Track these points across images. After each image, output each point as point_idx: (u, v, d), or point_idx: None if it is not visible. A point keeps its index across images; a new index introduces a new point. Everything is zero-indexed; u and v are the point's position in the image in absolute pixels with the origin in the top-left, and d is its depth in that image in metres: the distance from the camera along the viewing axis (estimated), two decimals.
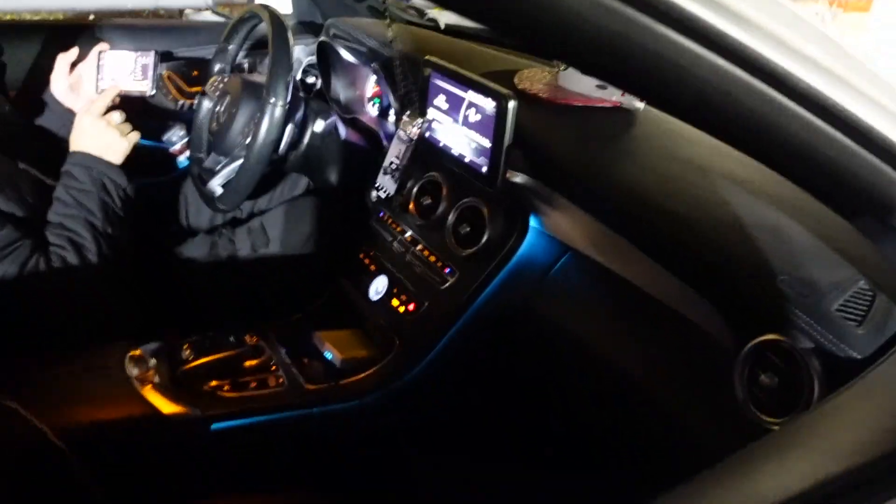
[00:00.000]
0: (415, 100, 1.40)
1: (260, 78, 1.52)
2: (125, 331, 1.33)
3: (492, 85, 1.21)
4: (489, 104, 1.21)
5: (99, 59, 1.51)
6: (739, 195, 1.04)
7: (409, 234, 1.40)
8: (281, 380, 1.26)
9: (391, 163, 1.44)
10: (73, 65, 1.52)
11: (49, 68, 1.55)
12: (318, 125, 1.56)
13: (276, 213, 1.58)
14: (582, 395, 1.28)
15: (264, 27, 1.46)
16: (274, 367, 1.28)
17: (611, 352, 1.14)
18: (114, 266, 1.30)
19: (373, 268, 1.42)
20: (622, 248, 1.08)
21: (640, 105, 1.31)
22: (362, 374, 1.28)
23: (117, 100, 1.46)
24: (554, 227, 1.21)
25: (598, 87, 1.32)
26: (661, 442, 1.07)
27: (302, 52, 1.82)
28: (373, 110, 1.66)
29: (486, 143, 1.23)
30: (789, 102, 0.52)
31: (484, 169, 1.24)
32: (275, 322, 1.40)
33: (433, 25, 1.82)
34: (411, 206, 1.40)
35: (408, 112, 1.42)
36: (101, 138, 1.36)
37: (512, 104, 1.17)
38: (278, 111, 1.35)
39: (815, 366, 0.81)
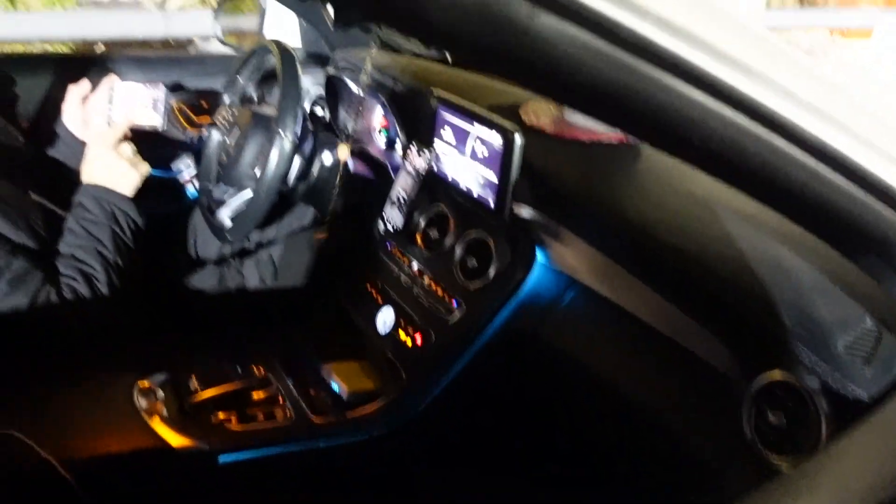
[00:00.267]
0: (422, 132, 1.41)
1: (269, 110, 1.54)
2: (133, 360, 1.33)
3: (499, 120, 1.23)
4: (496, 139, 1.23)
5: (110, 91, 1.53)
6: (745, 231, 1.04)
7: (416, 265, 1.41)
8: (288, 412, 1.26)
9: (398, 195, 1.45)
10: (86, 97, 1.54)
11: (61, 100, 1.57)
12: (326, 157, 1.57)
13: (283, 244, 1.59)
14: (590, 428, 1.28)
15: (274, 60, 1.48)
16: (281, 399, 1.28)
17: (619, 386, 1.14)
18: (123, 296, 1.31)
19: (380, 299, 1.43)
20: (628, 283, 1.09)
21: None
22: (369, 407, 1.28)
23: (128, 132, 1.47)
24: (561, 261, 1.21)
25: None
26: (669, 476, 1.07)
27: (310, 84, 1.84)
28: (380, 141, 1.67)
29: (493, 177, 1.24)
30: (794, 150, 0.53)
31: (491, 202, 1.25)
32: (282, 353, 1.41)
33: (440, 58, 1.84)
34: (418, 238, 1.41)
35: (415, 144, 1.44)
36: (113, 170, 1.38)
37: (519, 139, 1.19)
38: (287, 144, 1.37)
39: (823, 405, 0.81)
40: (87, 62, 1.87)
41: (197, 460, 1.16)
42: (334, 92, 1.73)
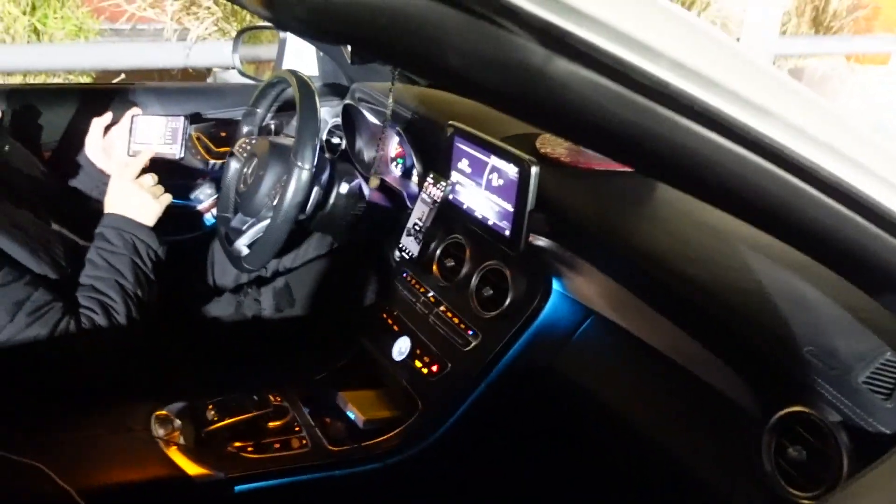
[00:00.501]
0: (438, 163, 1.43)
1: (287, 140, 1.56)
2: (150, 389, 1.34)
3: (514, 150, 1.24)
4: (512, 169, 1.24)
5: (131, 123, 1.56)
6: (762, 262, 1.04)
7: (431, 294, 1.41)
8: (304, 441, 1.26)
9: (415, 224, 1.46)
10: (107, 128, 1.57)
11: (83, 131, 1.60)
12: (343, 187, 1.59)
13: (300, 272, 1.60)
14: (605, 459, 1.27)
15: (292, 91, 1.51)
16: (297, 429, 1.29)
17: (635, 416, 1.14)
18: (141, 327, 1.32)
19: (396, 328, 1.43)
20: (645, 313, 1.08)
21: None
22: (385, 436, 1.28)
23: (149, 163, 1.50)
24: (577, 291, 1.21)
25: None
26: None
27: (327, 114, 1.86)
28: (396, 170, 1.69)
29: (509, 207, 1.25)
30: (810, 189, 0.54)
31: (507, 232, 1.26)
32: (298, 382, 1.41)
33: None
34: (434, 267, 1.42)
35: (431, 175, 1.45)
36: (135, 201, 1.40)
37: (534, 170, 1.20)
38: (305, 174, 1.38)
39: (844, 440, 0.80)
40: (108, 94, 1.91)
41: (213, 489, 1.16)
42: (351, 121, 1.75)
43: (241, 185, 1.56)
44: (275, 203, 1.45)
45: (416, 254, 1.45)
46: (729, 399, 0.96)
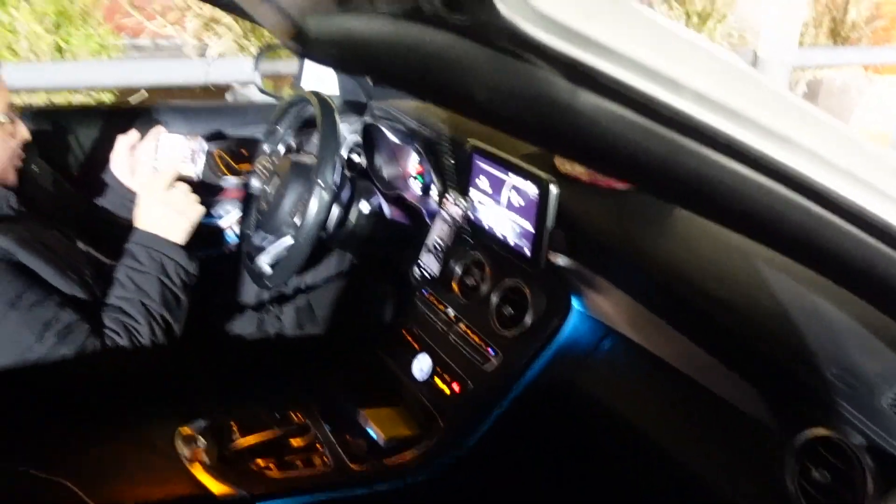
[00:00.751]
0: (458, 181, 1.44)
1: (308, 158, 1.57)
2: (173, 406, 1.36)
3: (534, 170, 1.25)
4: (531, 188, 1.24)
5: (156, 141, 1.58)
6: (785, 282, 1.04)
7: (451, 312, 1.42)
8: (326, 459, 1.27)
9: (435, 242, 1.47)
10: (133, 146, 1.59)
11: (108, 150, 1.63)
12: (363, 205, 1.60)
13: (321, 290, 1.62)
14: (626, 478, 1.27)
15: (312, 109, 1.52)
16: (319, 447, 1.29)
17: (655, 434, 1.14)
18: (165, 348, 1.33)
19: (416, 346, 1.44)
20: (665, 332, 1.09)
21: None
22: (406, 454, 1.28)
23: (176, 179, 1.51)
24: (597, 309, 1.22)
25: None
26: None
27: (347, 131, 1.88)
28: (416, 187, 1.70)
29: (529, 226, 1.26)
30: (832, 217, 0.54)
31: (526, 251, 1.26)
32: (319, 399, 1.42)
33: None
34: (454, 285, 1.43)
35: (450, 192, 1.46)
36: (163, 216, 1.41)
37: (554, 189, 1.20)
38: (326, 193, 1.40)
39: (868, 463, 0.80)
40: (132, 113, 1.94)
41: None
42: (371, 139, 1.77)
43: (263, 204, 1.58)
44: (296, 221, 1.47)
45: (435, 271, 1.46)
46: (751, 419, 0.96)
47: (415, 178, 1.70)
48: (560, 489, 1.35)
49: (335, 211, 1.54)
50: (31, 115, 1.78)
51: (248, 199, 1.69)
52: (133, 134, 1.60)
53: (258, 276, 1.52)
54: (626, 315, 1.18)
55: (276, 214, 1.53)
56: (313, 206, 1.39)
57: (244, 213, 1.68)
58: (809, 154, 0.52)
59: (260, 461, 1.24)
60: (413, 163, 1.71)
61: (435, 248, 1.47)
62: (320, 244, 1.55)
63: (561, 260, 1.26)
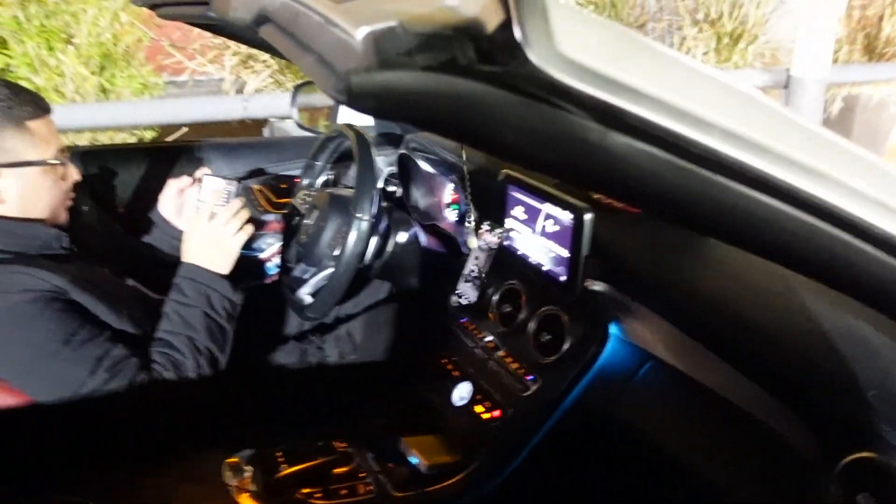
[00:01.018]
0: (493, 210, 1.46)
1: (346, 191, 1.61)
2: (219, 437, 1.39)
3: (568, 198, 1.26)
4: (566, 216, 1.26)
5: (200, 182, 1.64)
6: (824, 305, 1.04)
7: (490, 340, 1.43)
8: (370, 487, 1.29)
9: (471, 271, 1.50)
10: (182, 189, 1.66)
11: (154, 188, 1.69)
12: (401, 235, 1.63)
13: (361, 319, 1.65)
14: (666, 501, 1.27)
15: (349, 143, 1.57)
16: (362, 475, 1.31)
17: (695, 461, 1.13)
18: (211, 380, 1.37)
19: (455, 373, 1.46)
20: (705, 357, 1.09)
21: None
22: (448, 482, 1.29)
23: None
24: (635, 335, 1.22)
25: None
26: None
27: (383, 163, 1.92)
28: (451, 216, 1.73)
29: (564, 253, 1.27)
30: (865, 245, 0.55)
31: (562, 278, 1.28)
32: (361, 428, 1.44)
33: None
34: (491, 313, 1.45)
35: (486, 222, 1.49)
36: (207, 250, 1.46)
37: (588, 217, 1.22)
38: (364, 225, 1.43)
39: None
40: (176, 151, 2.01)
41: None
42: (406, 170, 1.81)
43: (303, 237, 1.62)
44: (336, 253, 1.50)
45: (473, 300, 1.48)
46: (792, 445, 0.95)
47: (450, 207, 1.73)
48: None
49: (373, 242, 1.57)
50: (78, 155, 1.85)
51: (288, 232, 1.73)
52: (184, 179, 1.66)
53: (299, 308, 1.55)
54: (665, 340, 1.18)
55: (315, 246, 1.57)
56: (352, 238, 1.42)
57: (285, 246, 1.72)
58: (837, 184, 0.54)
59: (305, 490, 1.26)
60: (448, 192, 1.74)
61: (471, 276, 1.49)
62: (359, 275, 1.58)
63: (597, 286, 1.27)
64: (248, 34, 1.68)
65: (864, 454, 0.84)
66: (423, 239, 1.72)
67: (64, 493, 1.17)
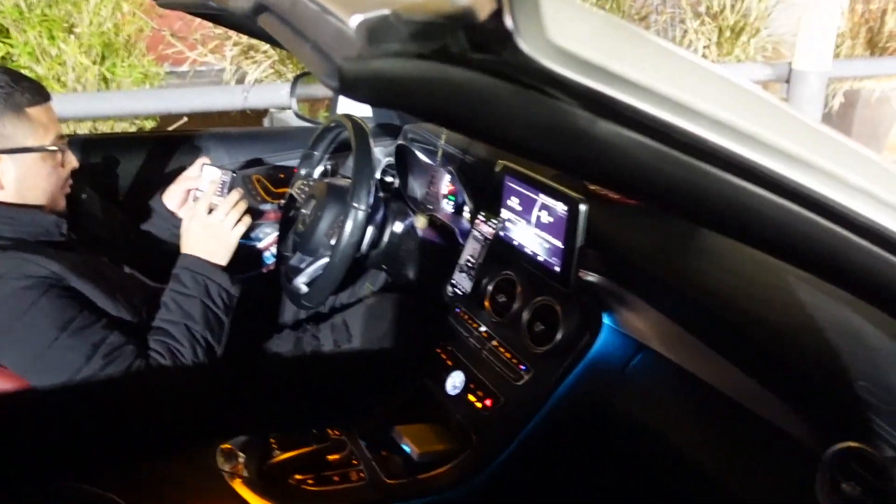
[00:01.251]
0: (489, 201, 1.47)
1: (343, 181, 1.62)
2: (214, 423, 1.40)
3: (563, 188, 1.27)
4: (561, 206, 1.27)
5: (200, 172, 1.65)
6: (816, 297, 1.05)
7: (484, 330, 1.44)
8: (362, 474, 1.30)
9: (467, 261, 1.51)
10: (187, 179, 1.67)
11: (154, 177, 1.70)
12: (397, 225, 1.64)
13: (356, 309, 1.66)
14: (658, 490, 1.28)
15: (347, 134, 1.57)
16: (355, 462, 1.32)
17: (687, 450, 1.14)
18: (207, 368, 1.38)
19: (450, 363, 1.47)
20: (697, 348, 1.10)
21: None
22: (440, 469, 1.30)
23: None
24: (628, 325, 1.23)
25: None
26: None
27: (381, 154, 1.93)
28: (448, 207, 1.73)
29: (559, 244, 1.28)
30: (851, 235, 0.56)
31: (557, 268, 1.29)
32: (355, 416, 1.46)
33: None
34: (486, 303, 1.45)
35: (482, 212, 1.49)
36: (207, 240, 1.48)
37: (583, 207, 1.23)
38: (361, 215, 1.44)
39: None
40: (176, 140, 2.01)
41: None
42: (404, 161, 1.81)
43: (300, 226, 1.63)
44: (332, 243, 1.51)
45: (468, 290, 1.49)
46: (783, 433, 0.96)
47: (447, 198, 1.73)
48: (593, 503, 1.37)
49: (370, 231, 1.58)
50: (79, 144, 1.86)
51: (285, 222, 1.74)
52: (193, 170, 1.67)
53: (295, 296, 1.56)
54: (658, 331, 1.19)
55: (312, 236, 1.57)
56: (348, 227, 1.43)
57: (282, 235, 1.73)
58: (825, 174, 0.54)
59: (298, 476, 1.27)
60: (445, 183, 1.74)
61: (467, 266, 1.50)
62: (355, 264, 1.59)
63: (591, 277, 1.28)
64: (247, 23, 1.68)
65: (851, 443, 0.85)
66: (420, 229, 1.73)
67: (59, 477, 1.19)
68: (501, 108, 0.48)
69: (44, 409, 1.31)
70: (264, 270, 1.90)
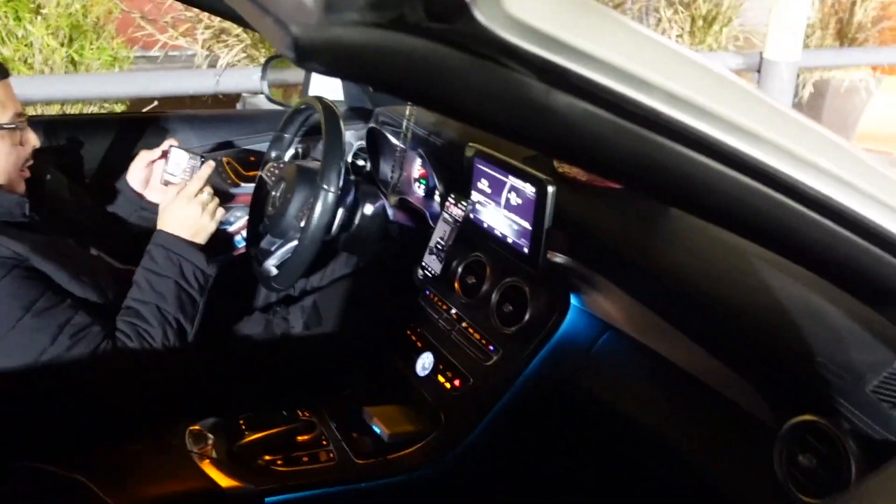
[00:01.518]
0: (459, 183, 1.47)
1: (313, 164, 1.61)
2: (184, 406, 1.40)
3: (531, 170, 1.28)
4: (529, 189, 1.28)
5: (168, 154, 1.64)
6: (776, 276, 1.07)
7: (454, 311, 1.45)
8: (331, 455, 1.30)
9: (437, 243, 1.51)
10: (153, 160, 1.66)
11: (121, 158, 1.68)
12: (368, 208, 1.64)
13: (327, 291, 1.66)
14: (623, 466, 1.30)
15: (318, 117, 1.56)
16: (325, 442, 1.33)
17: (651, 425, 1.17)
18: (177, 350, 1.37)
19: (419, 344, 1.48)
20: (662, 329, 1.11)
21: None
22: (409, 450, 1.31)
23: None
24: (594, 306, 1.25)
25: None
26: None
27: (352, 137, 1.92)
28: (419, 191, 1.74)
29: (528, 226, 1.29)
30: (800, 207, 0.57)
31: (525, 250, 1.30)
32: (326, 397, 1.46)
33: None
34: (456, 284, 1.46)
35: (452, 195, 1.50)
36: (186, 219, 1.46)
37: (551, 189, 1.24)
38: (331, 197, 1.43)
39: (853, 448, 0.82)
40: (144, 122, 1.99)
41: (245, 501, 1.21)
42: (375, 144, 1.81)
43: (270, 208, 1.62)
44: (302, 225, 1.51)
45: (438, 272, 1.50)
46: (743, 409, 0.99)
47: (418, 181, 1.73)
48: (561, 481, 1.38)
49: (340, 214, 1.58)
50: (44, 124, 1.83)
51: (255, 204, 1.73)
52: (154, 151, 1.65)
53: (266, 279, 1.56)
54: (624, 311, 1.21)
55: (282, 218, 1.57)
56: (318, 210, 1.43)
57: (252, 218, 1.72)
58: (775, 147, 0.55)
59: (267, 457, 1.27)
60: (416, 167, 1.74)
61: (437, 248, 1.51)
62: (326, 247, 1.59)
63: (560, 258, 1.29)
64: (215, 4, 1.67)
65: (808, 417, 0.87)
66: (391, 212, 1.73)
67: (24, 459, 1.18)
68: (458, 78, 0.49)
69: (8, 391, 1.29)
70: (235, 254, 1.89)
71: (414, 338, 1.50)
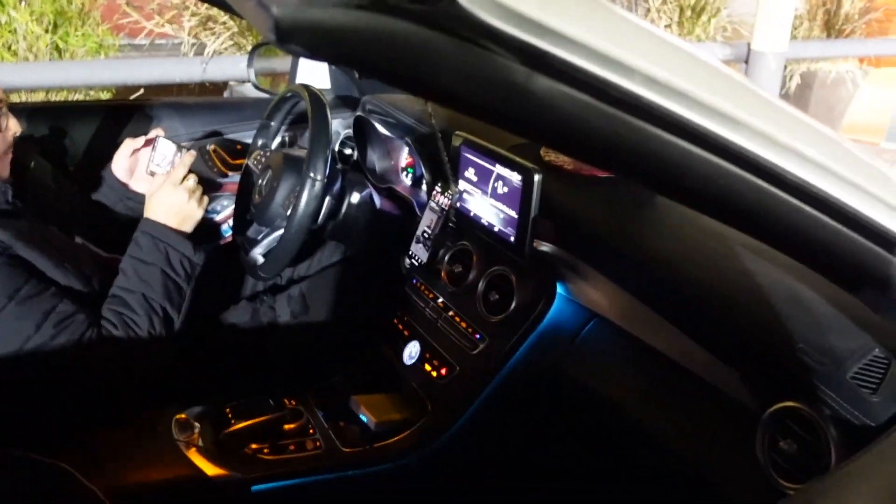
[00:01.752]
0: (446, 172, 1.47)
1: (300, 152, 1.61)
2: (171, 394, 1.39)
3: (518, 159, 1.28)
4: (516, 177, 1.28)
5: (155, 143, 1.63)
6: (760, 264, 1.07)
7: (440, 300, 1.45)
8: (318, 443, 1.31)
9: (424, 232, 1.51)
10: (137, 149, 1.64)
11: (105, 146, 1.67)
12: (355, 197, 1.63)
13: (314, 280, 1.65)
14: (608, 452, 1.31)
15: (305, 105, 1.56)
16: (312, 431, 1.33)
17: (637, 413, 1.17)
18: (162, 339, 1.36)
19: (406, 333, 1.48)
20: (646, 316, 1.12)
21: None
22: (396, 438, 1.32)
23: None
24: (580, 295, 1.25)
25: None
26: (685, 501, 1.09)
27: (339, 125, 1.92)
28: (406, 180, 1.73)
29: (514, 214, 1.29)
30: (778, 192, 0.57)
31: (512, 238, 1.30)
32: (313, 386, 1.46)
33: None
34: (443, 273, 1.46)
35: (439, 184, 1.50)
36: (173, 206, 1.45)
37: (537, 178, 1.24)
38: (317, 185, 1.43)
39: (833, 433, 0.83)
40: (129, 110, 1.97)
41: (231, 489, 1.21)
42: (362, 133, 1.80)
43: (257, 197, 1.61)
44: (289, 213, 1.50)
45: (425, 260, 1.50)
46: (726, 395, 1.00)
47: (405, 170, 1.73)
48: (547, 467, 1.39)
49: (327, 203, 1.57)
50: (28, 112, 1.81)
51: (242, 193, 1.72)
52: (139, 140, 1.64)
53: (252, 268, 1.55)
54: (609, 299, 1.21)
55: (269, 207, 1.56)
56: (304, 198, 1.42)
57: (238, 207, 1.71)
58: (754, 132, 0.56)
59: (254, 445, 1.27)
60: (403, 155, 1.74)
61: (424, 237, 1.51)
62: (313, 236, 1.58)
63: (546, 247, 1.30)
64: None
65: (789, 403, 0.88)
66: (378, 201, 1.73)
67: (8, 445, 1.17)
68: (438, 60, 0.48)
69: None
70: (222, 243, 1.88)
71: (401, 326, 1.50)
